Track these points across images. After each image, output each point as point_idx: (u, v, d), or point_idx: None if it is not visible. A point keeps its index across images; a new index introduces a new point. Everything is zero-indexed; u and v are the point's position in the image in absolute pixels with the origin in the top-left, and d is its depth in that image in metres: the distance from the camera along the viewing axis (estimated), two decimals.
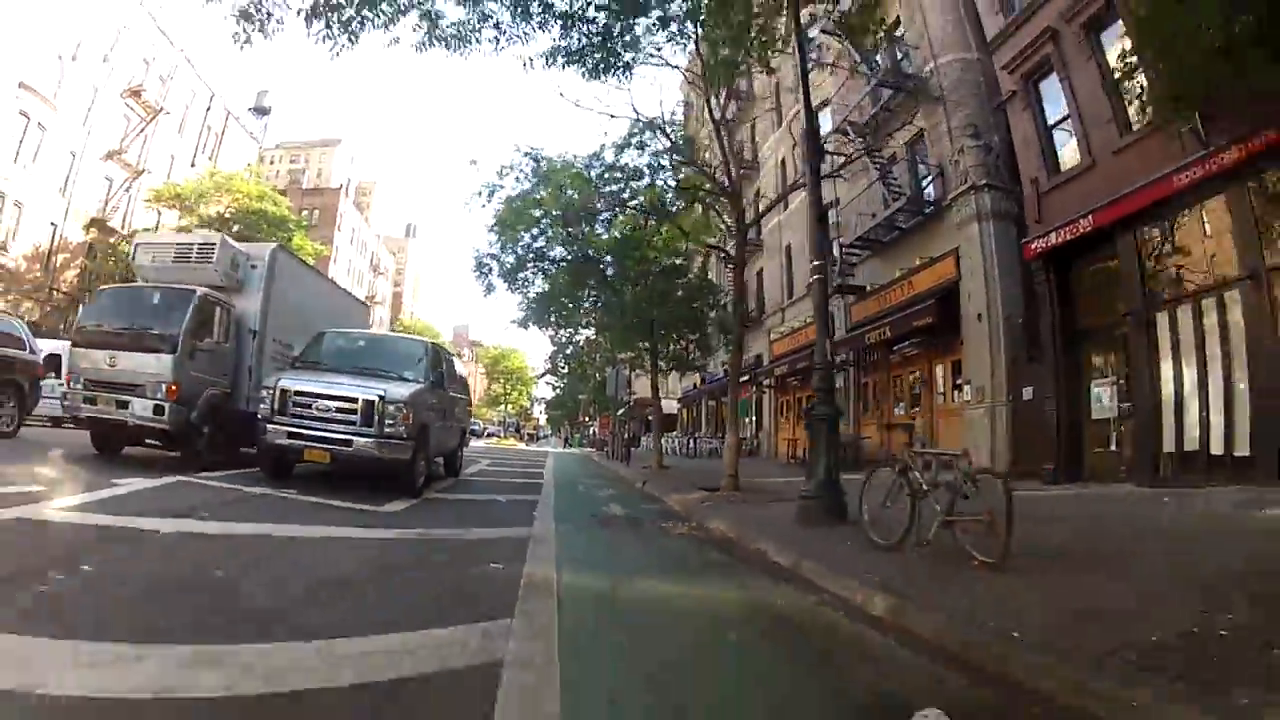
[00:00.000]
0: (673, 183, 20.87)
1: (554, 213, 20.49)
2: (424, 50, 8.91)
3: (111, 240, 40.01)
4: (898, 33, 21.52)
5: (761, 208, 24.86)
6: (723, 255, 20.14)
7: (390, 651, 3.82)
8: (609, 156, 20.22)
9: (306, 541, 6.75)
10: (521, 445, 67.70)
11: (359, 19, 7.38)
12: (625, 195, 20.51)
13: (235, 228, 38.44)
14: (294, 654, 3.63)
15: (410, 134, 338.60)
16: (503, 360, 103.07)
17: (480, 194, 21.46)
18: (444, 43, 8.34)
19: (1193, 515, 9.25)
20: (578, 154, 22.33)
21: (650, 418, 30.71)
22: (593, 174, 20.33)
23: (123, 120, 41.75)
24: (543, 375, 68.61)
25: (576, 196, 19.99)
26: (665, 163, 20.16)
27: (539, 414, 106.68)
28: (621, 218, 21.34)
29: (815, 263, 10.14)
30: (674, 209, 20.78)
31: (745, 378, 30.68)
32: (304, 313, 14.87)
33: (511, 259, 23.32)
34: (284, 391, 10.46)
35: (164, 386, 11.01)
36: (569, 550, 7.63)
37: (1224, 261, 12.49)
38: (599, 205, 20.13)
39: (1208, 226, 13.01)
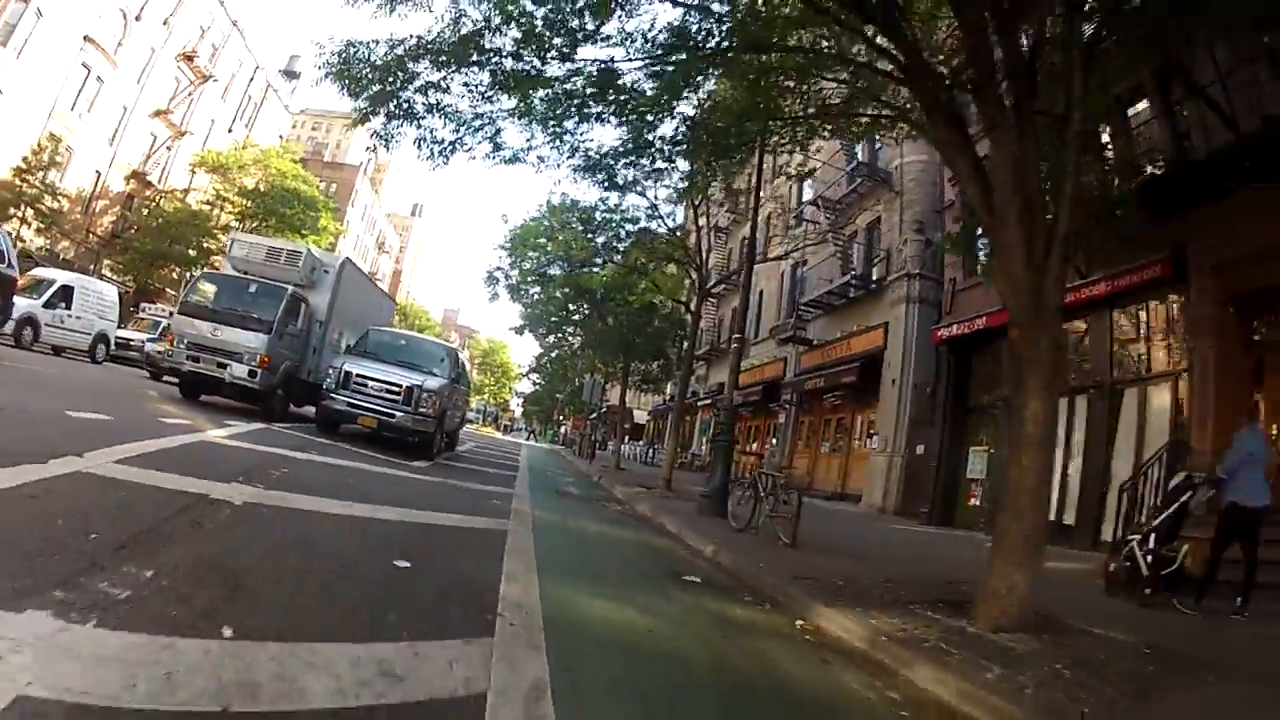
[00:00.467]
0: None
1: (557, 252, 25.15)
2: (490, 163, 13.05)
3: (148, 193, 43.77)
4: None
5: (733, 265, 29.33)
6: (686, 309, 24.41)
7: (457, 526, 8.01)
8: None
9: (381, 475, 10.87)
10: (499, 434, 73.16)
11: (451, 146, 11.23)
12: (616, 244, 24.79)
13: (267, 202, 42.48)
14: (412, 516, 7.79)
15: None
16: (493, 354, 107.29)
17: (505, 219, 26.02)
18: (504, 161, 12.24)
19: (969, 548, 13.36)
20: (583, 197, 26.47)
21: (619, 425, 35.29)
22: (596, 214, 24.54)
23: (173, 82, 45.46)
24: (527, 373, 72.61)
25: (574, 241, 24.24)
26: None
27: (516, 408, 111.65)
28: (610, 266, 25.57)
29: (736, 335, 14.43)
30: (653, 266, 24.91)
31: (708, 401, 34.92)
32: (356, 309, 19.61)
33: (517, 274, 27.98)
34: (347, 373, 14.85)
35: (258, 357, 15.09)
36: (537, 502, 12.11)
37: (1083, 370, 16.27)
38: (595, 251, 24.28)
39: (1074, 340, 16.66)
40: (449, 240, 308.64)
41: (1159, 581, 8.70)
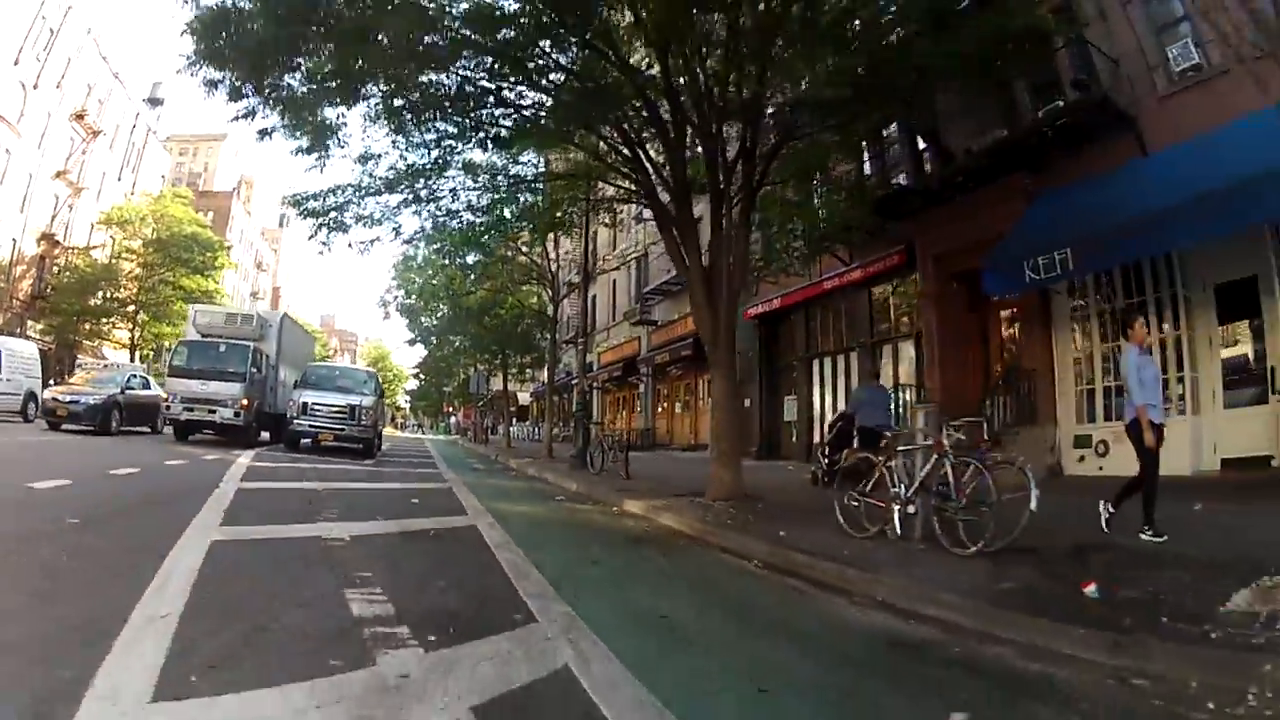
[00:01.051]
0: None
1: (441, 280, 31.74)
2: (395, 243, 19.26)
3: (56, 253, 47.57)
4: None
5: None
6: (546, 320, 31.34)
7: (424, 489, 13.80)
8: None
9: (356, 470, 16.55)
10: (398, 432, 79.84)
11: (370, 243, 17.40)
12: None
13: (169, 250, 47.30)
14: (397, 486, 13.64)
15: None
16: (381, 360, 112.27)
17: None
18: (405, 242, 18.83)
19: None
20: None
21: (505, 410, 42.72)
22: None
23: (68, 142, 48.87)
24: (415, 374, 78.86)
25: (453, 277, 30.48)
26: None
27: (405, 404, 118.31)
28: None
29: (581, 338, 21.22)
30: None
31: (576, 380, 42.03)
32: (293, 350, 25.87)
33: (405, 296, 34.76)
34: (304, 403, 20.93)
35: (240, 402, 20.91)
36: (459, 474, 18.20)
37: (849, 334, 22.42)
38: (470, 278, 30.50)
39: (844, 312, 22.74)
40: (313, 245, 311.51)
41: (830, 476, 13.25)
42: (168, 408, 21.97)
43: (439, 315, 36.44)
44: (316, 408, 21.10)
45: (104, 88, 53.04)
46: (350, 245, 16.77)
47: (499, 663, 3.93)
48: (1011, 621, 5.08)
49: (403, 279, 34.09)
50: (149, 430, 24.32)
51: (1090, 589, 5.44)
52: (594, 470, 18.35)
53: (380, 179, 14.80)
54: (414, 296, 35.19)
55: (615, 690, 3.63)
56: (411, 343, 41.58)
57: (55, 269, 46.57)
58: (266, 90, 12.19)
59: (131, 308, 46.70)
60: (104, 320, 46.37)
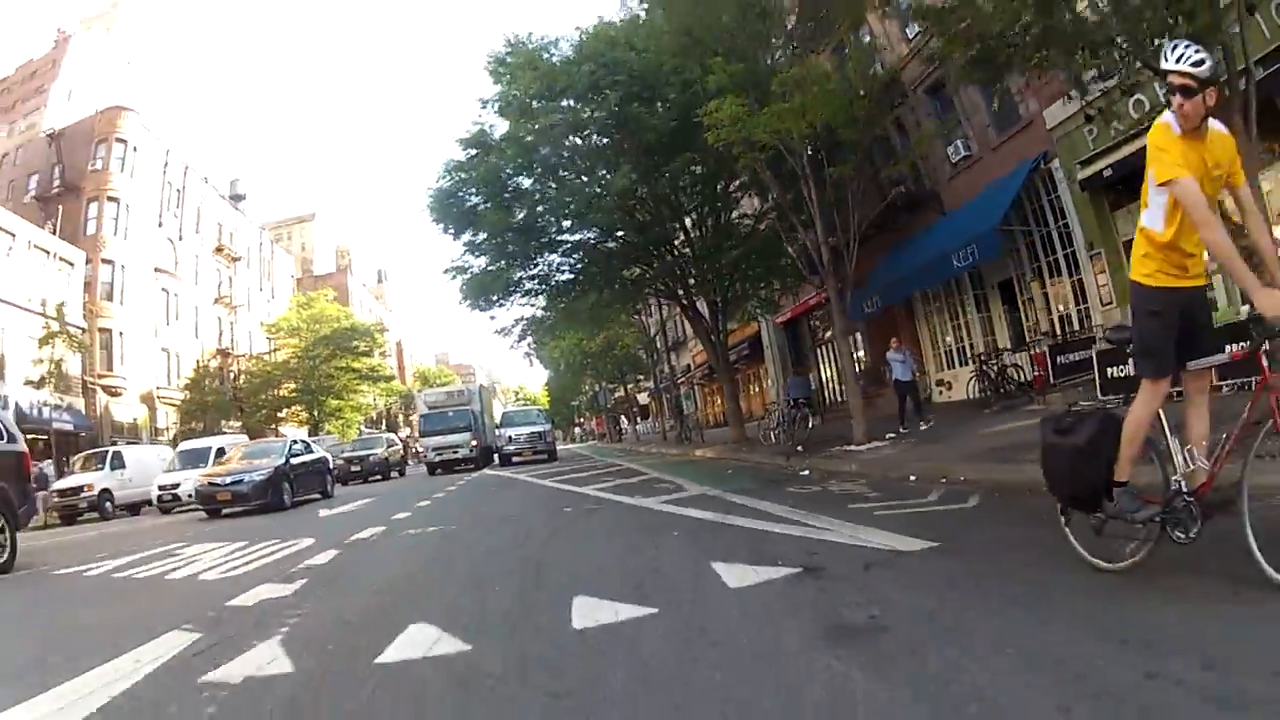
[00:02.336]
0: None
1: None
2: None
3: (228, 362, 61.23)
4: None
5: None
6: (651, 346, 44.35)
7: (609, 464, 25.68)
8: None
9: (555, 469, 28.05)
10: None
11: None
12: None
13: (336, 343, 61.00)
14: (615, 469, 26.05)
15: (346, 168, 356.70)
16: (521, 391, 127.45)
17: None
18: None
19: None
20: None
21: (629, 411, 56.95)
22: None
23: (215, 273, 63.24)
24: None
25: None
26: None
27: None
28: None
29: (672, 350, 33.73)
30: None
31: (682, 379, 54.71)
32: (486, 402, 40.31)
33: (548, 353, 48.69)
34: (509, 435, 34.64)
35: (470, 443, 34.22)
36: (616, 459, 30.34)
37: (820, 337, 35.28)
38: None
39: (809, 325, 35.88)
40: (418, 290, 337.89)
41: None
42: (417, 456, 35.18)
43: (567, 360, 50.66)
44: (517, 437, 34.65)
45: (231, 221, 67.64)
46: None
47: (673, 489, 14.47)
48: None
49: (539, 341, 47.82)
50: (319, 496, 22.88)
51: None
52: (689, 441, 31.03)
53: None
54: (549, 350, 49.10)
55: (695, 485, 14.66)
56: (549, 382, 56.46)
57: (233, 375, 59.93)
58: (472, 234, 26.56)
59: (308, 395, 59.80)
60: (286, 408, 59.63)
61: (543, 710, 3.37)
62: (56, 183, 51.32)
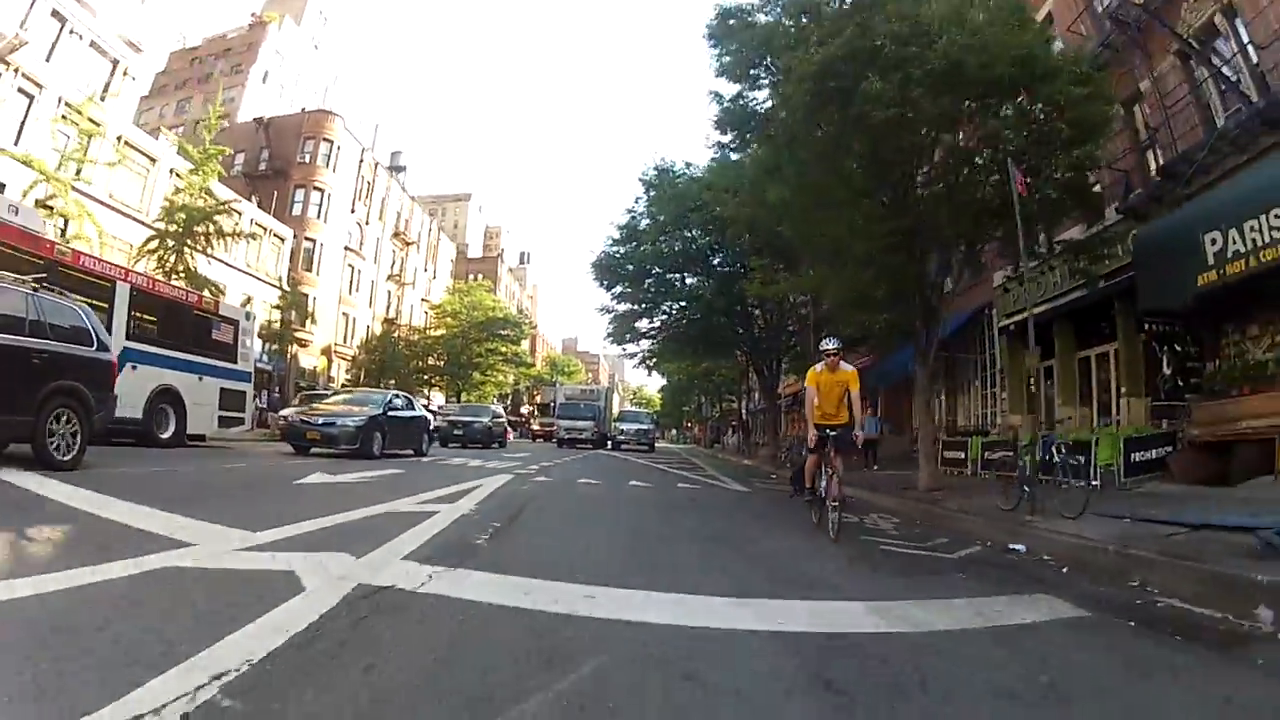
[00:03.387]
0: None
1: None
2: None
3: (393, 330, 72.53)
4: None
5: None
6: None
7: (681, 457, 36.86)
8: None
9: (649, 454, 39.27)
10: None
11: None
12: None
13: (490, 328, 72.77)
14: (680, 457, 36.71)
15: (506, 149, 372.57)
16: (639, 392, 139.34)
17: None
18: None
19: None
20: None
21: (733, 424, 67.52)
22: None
23: (391, 254, 75.25)
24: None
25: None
26: None
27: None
28: None
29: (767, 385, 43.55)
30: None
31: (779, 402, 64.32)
32: (610, 398, 51.69)
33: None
34: (620, 428, 47.42)
35: (594, 425, 45.88)
36: (695, 459, 41.15)
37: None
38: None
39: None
40: (554, 274, 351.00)
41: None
42: (551, 432, 46.15)
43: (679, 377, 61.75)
44: (627, 430, 46.52)
45: (407, 209, 79.53)
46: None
47: (705, 475, 25.66)
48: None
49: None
50: (412, 453, 23.47)
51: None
52: (745, 452, 41.10)
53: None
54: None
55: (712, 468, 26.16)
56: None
57: (396, 341, 71.28)
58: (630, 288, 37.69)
59: (455, 368, 70.97)
60: (435, 376, 71.08)
61: (617, 500, 13.90)
62: (263, 165, 63.32)
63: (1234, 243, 13.61)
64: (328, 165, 64.26)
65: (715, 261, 35.84)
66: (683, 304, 38.01)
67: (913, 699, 3.71)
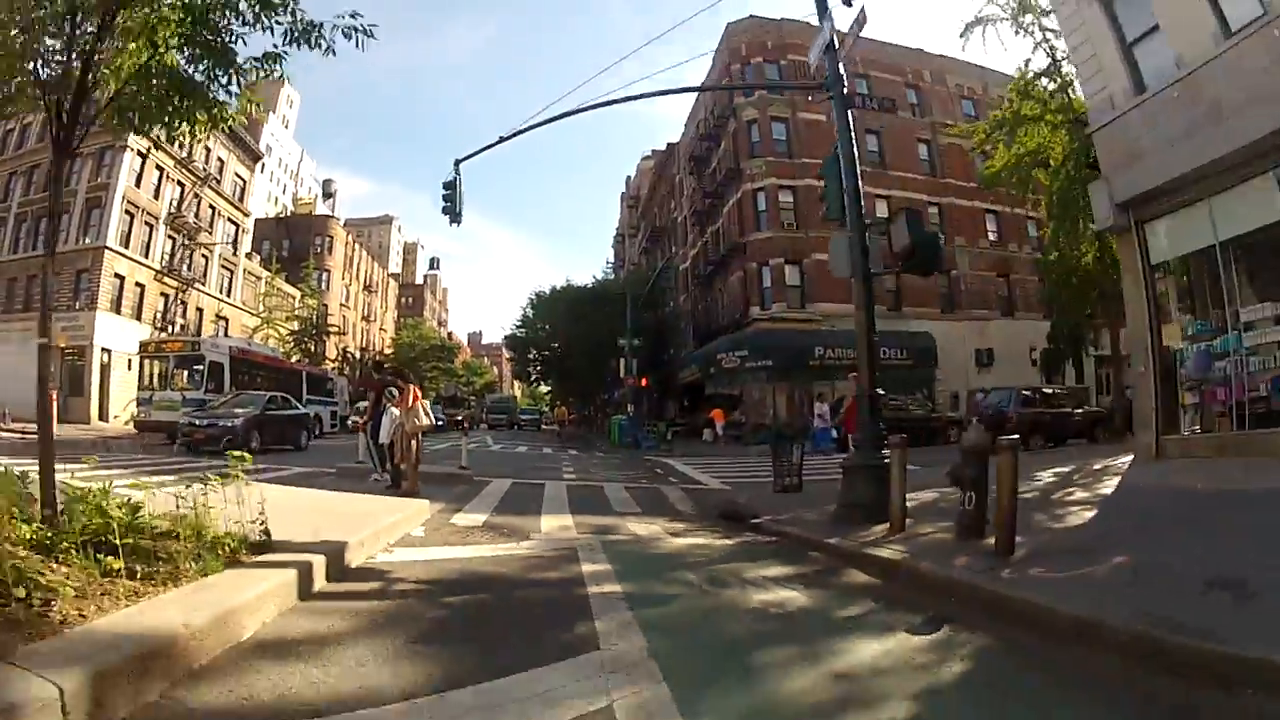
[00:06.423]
0: None
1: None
2: None
3: (366, 352, 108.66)
4: None
5: None
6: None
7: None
8: None
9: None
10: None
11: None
12: None
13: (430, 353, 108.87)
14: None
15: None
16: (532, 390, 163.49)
17: None
18: None
19: None
20: None
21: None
22: None
23: (365, 304, 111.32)
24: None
25: None
26: None
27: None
28: None
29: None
30: None
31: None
32: (514, 402, 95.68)
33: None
34: (521, 417, 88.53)
35: (508, 416, 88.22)
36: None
37: None
38: None
39: None
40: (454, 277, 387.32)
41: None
42: (478, 422, 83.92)
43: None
44: (524, 418, 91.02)
45: (375, 271, 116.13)
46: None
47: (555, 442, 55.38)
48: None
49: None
50: (292, 449, 27.36)
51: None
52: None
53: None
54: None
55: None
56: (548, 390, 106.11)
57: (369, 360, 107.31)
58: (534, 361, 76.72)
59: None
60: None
61: (521, 459, 31.46)
62: (285, 251, 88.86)
63: None
64: (329, 253, 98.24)
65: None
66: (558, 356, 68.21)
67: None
